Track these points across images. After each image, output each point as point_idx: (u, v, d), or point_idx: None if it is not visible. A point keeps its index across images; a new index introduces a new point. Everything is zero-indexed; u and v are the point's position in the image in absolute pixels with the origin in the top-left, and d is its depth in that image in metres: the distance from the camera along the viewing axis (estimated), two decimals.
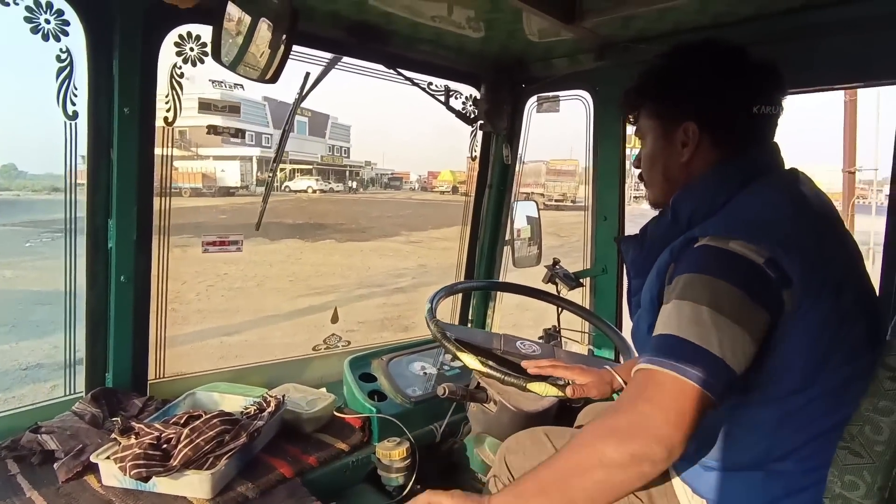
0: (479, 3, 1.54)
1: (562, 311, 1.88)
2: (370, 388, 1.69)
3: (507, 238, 2.31)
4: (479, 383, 1.54)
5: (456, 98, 2.07)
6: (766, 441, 0.87)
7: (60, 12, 1.26)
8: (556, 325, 1.97)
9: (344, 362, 1.77)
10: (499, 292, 2.42)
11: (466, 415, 1.66)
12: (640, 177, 1.11)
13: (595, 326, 1.82)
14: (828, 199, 1.00)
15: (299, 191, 32.81)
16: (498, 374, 1.21)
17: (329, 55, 1.73)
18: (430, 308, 1.46)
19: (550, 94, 2.13)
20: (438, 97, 2.01)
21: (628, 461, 0.73)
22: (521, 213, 2.32)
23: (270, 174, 1.87)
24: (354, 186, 44.07)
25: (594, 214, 2.08)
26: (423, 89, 1.97)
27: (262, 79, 1.42)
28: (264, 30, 1.37)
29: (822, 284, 0.83)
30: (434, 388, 1.74)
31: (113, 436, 1.26)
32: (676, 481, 1.02)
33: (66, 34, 1.26)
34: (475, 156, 2.27)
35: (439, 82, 2.02)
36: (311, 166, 38.43)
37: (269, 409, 1.44)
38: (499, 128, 2.11)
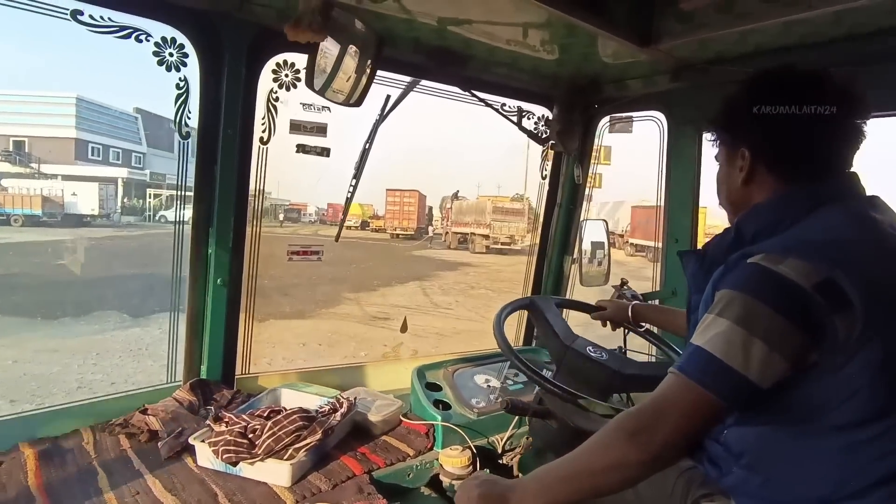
0: (555, 27, 1.59)
1: (628, 333, 1.87)
2: (435, 397, 1.76)
3: (574, 256, 2.33)
4: (541, 399, 1.57)
5: (528, 118, 2.13)
6: (834, 476, 0.84)
7: (181, 46, 1.44)
8: (623, 346, 1.96)
9: (411, 371, 1.85)
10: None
11: (528, 429, 1.69)
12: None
13: (662, 351, 1.79)
14: None
15: (181, 222, 28.24)
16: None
17: (408, 78, 1.84)
18: (499, 322, 1.52)
19: (623, 114, 2.13)
20: (511, 118, 2.07)
21: (648, 463, 0.83)
22: (590, 232, 2.33)
23: (351, 190, 1.99)
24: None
25: (665, 236, 2.05)
26: (497, 110, 2.04)
27: (347, 102, 1.54)
28: (351, 56, 1.49)
29: (888, 310, 0.81)
30: (497, 401, 1.78)
31: (207, 422, 1.40)
32: None
33: (184, 65, 1.45)
34: (545, 175, 2.31)
35: (512, 103, 2.08)
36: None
37: (342, 410, 1.54)
38: (570, 148, 2.14)
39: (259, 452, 1.29)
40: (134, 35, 1.36)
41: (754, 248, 0.89)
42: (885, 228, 0.91)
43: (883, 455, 0.82)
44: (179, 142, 1.51)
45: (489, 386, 1.89)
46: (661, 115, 2.03)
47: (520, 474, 1.71)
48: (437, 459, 1.56)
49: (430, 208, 29.95)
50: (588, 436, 1.41)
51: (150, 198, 30.86)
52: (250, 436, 1.33)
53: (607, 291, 2.05)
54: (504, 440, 1.70)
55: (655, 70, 1.85)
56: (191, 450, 1.37)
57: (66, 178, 24.12)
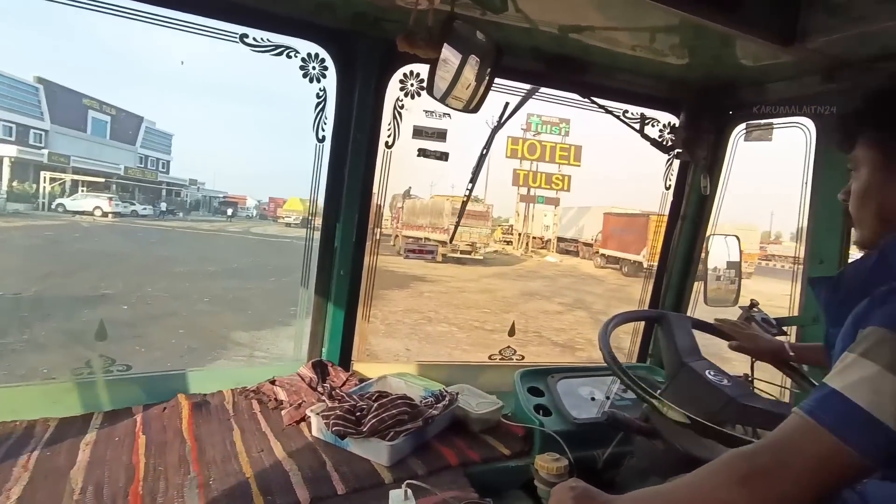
0: (684, 30, 1.52)
1: (755, 361, 1.71)
2: (536, 402, 1.75)
3: (698, 273, 2.18)
4: (647, 417, 1.50)
5: (652, 126, 2.04)
6: None
7: (323, 60, 1.63)
8: (749, 373, 1.79)
9: (515, 374, 1.87)
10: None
11: (632, 448, 1.62)
12: (847, 212, 0.99)
13: (794, 382, 1.61)
14: None
15: (81, 212, 22.67)
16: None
17: (527, 86, 1.87)
18: (605, 333, 1.49)
19: (763, 121, 1.96)
20: (633, 125, 2.01)
21: None
22: (719, 248, 2.16)
23: (467, 193, 2.07)
24: (170, 209, 32.31)
25: (808, 256, 1.84)
26: (618, 117, 1.99)
27: (465, 109, 1.61)
28: (471, 65, 1.56)
29: None
30: (599, 414, 1.73)
31: (323, 397, 1.55)
32: None
33: (324, 77, 1.63)
34: (670, 185, 2.19)
35: (635, 110, 2.01)
36: (105, 180, 28.30)
37: (444, 403, 1.61)
38: (698, 157, 2.01)
39: (364, 430, 1.40)
40: (285, 52, 1.58)
41: None
42: None
43: None
44: (315, 145, 1.70)
45: (593, 399, 1.84)
46: (808, 122, 1.83)
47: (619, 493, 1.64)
48: (533, 464, 1.56)
49: (379, 206, 27.47)
50: (697, 462, 1.33)
51: (44, 182, 25.24)
52: (357, 414, 1.45)
53: (733, 313, 1.89)
54: (605, 455, 1.64)
55: (802, 70, 1.67)
56: (307, 420, 1.53)
57: None
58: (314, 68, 1.62)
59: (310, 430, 1.51)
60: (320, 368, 1.78)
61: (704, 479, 0.80)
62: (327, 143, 1.71)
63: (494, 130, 1.96)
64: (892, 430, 0.69)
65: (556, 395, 1.80)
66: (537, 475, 1.53)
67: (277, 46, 1.57)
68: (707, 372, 1.43)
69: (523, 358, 2.20)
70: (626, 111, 2.00)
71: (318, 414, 1.47)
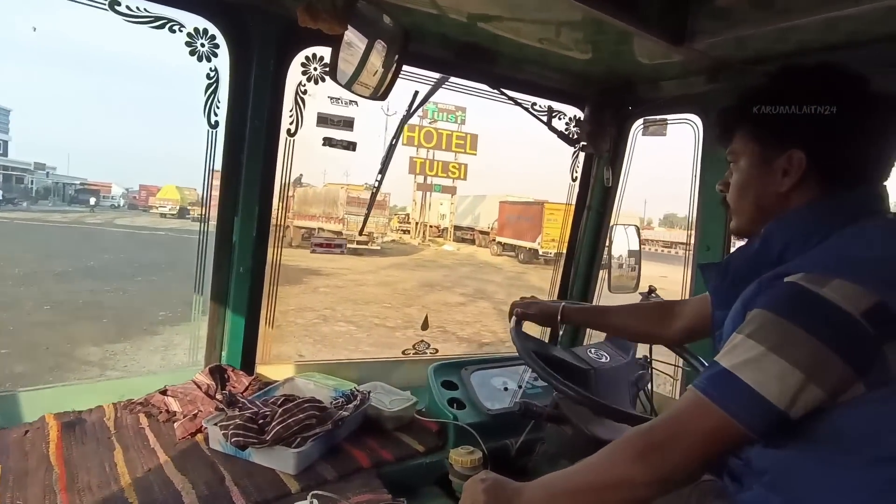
0: (586, 25, 1.55)
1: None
2: (450, 396, 1.74)
3: (603, 262, 2.28)
4: (557, 404, 1.53)
5: (559, 119, 2.09)
6: None
7: (213, 37, 1.48)
8: (648, 355, 1.90)
9: (428, 368, 1.84)
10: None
11: (543, 435, 1.65)
12: (724, 202, 1.06)
13: (685, 360, 1.72)
14: None
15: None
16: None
17: (437, 74, 1.84)
18: (517, 323, 1.50)
19: (658, 117, 2.07)
20: (541, 118, 2.04)
21: (654, 484, 0.79)
22: (621, 237, 2.27)
23: (376, 185, 2.00)
24: (10, 198, 28.43)
25: (696, 244, 1.97)
26: (527, 110, 2.01)
27: (373, 96, 1.55)
28: (378, 51, 1.50)
29: None
30: (513, 404, 1.75)
31: (221, 406, 1.42)
32: None
33: (215, 56, 1.49)
34: (576, 177, 2.26)
35: (543, 102, 2.04)
36: None
37: (355, 402, 1.54)
38: (601, 150, 2.09)
39: (267, 438, 1.30)
40: (168, 25, 1.41)
41: (791, 265, 0.82)
42: None
43: None
44: (207, 131, 1.55)
45: (506, 389, 1.86)
46: (696, 119, 1.96)
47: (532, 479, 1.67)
48: (448, 458, 1.54)
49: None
50: (603, 444, 1.37)
51: None
52: (260, 422, 1.34)
53: (635, 299, 1.99)
54: (517, 444, 1.66)
55: (690, 70, 1.78)
56: (204, 432, 1.40)
57: None
58: (203, 45, 1.47)
59: (207, 443, 1.38)
60: (219, 374, 1.64)
61: (606, 458, 0.85)
62: (221, 129, 1.57)
63: (404, 119, 1.91)
64: (775, 406, 0.74)
65: (469, 388, 1.79)
66: (452, 469, 1.52)
67: (158, 18, 1.40)
68: (589, 352, 1.58)
69: (437, 352, 2.17)
70: (535, 104, 2.03)
71: (215, 424, 1.35)
